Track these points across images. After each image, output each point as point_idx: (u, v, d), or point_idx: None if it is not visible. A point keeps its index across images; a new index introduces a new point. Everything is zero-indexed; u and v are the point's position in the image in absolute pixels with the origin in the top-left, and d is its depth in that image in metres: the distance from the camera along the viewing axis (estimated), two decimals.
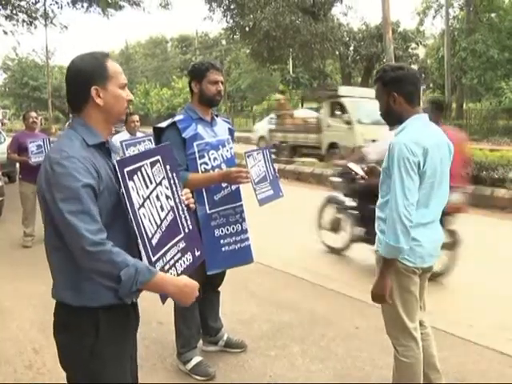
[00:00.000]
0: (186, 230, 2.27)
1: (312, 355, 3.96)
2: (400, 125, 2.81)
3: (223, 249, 3.58)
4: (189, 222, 2.30)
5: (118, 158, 1.93)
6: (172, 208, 2.18)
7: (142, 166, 2.00)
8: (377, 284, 2.78)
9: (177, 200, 2.24)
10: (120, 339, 2.09)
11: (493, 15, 29.02)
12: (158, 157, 2.14)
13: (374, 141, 10.26)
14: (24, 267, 6.17)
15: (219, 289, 4.00)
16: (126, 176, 1.87)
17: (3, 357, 4.05)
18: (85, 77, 1.99)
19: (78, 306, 1.96)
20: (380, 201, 2.88)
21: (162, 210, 2.09)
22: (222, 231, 3.57)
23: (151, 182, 2.04)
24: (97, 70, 1.99)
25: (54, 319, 2.07)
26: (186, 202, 2.32)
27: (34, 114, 7.96)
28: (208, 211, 3.48)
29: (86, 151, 1.93)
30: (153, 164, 2.08)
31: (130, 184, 1.88)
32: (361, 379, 3.61)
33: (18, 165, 8.32)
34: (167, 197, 2.16)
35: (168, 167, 2.20)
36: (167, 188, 2.17)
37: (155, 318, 4.49)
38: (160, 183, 2.12)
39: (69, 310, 1.99)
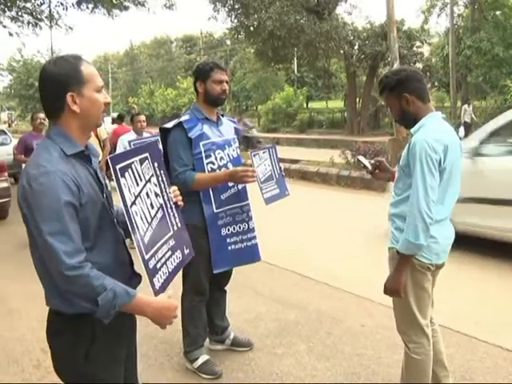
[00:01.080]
0: (175, 228, 2.25)
1: (318, 353, 3.97)
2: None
3: (229, 247, 3.60)
4: (177, 220, 2.28)
5: (109, 155, 1.87)
6: (161, 206, 2.16)
7: (132, 163, 1.97)
8: (392, 278, 2.78)
9: (165, 197, 2.21)
10: (114, 342, 2.07)
11: (498, 13, 28.84)
12: (147, 154, 2.11)
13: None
14: (31, 267, 6.17)
15: (225, 288, 4.01)
16: (119, 173, 1.84)
17: (11, 356, 4.09)
18: (59, 83, 1.89)
19: (72, 313, 1.91)
20: (395, 198, 2.89)
21: (152, 207, 2.07)
22: (229, 230, 3.59)
23: (141, 180, 2.02)
24: (71, 74, 1.90)
25: (47, 325, 2.03)
26: (175, 200, 2.29)
27: (41, 115, 7.95)
28: (215, 210, 3.50)
29: (66, 163, 1.85)
30: (142, 161, 2.05)
31: (122, 181, 1.85)
32: (367, 377, 3.61)
33: (23, 166, 8.36)
34: (156, 194, 2.14)
35: (156, 164, 2.17)
36: (156, 185, 2.15)
37: None
38: (149, 180, 2.09)
39: (63, 317, 1.95)
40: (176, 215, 2.27)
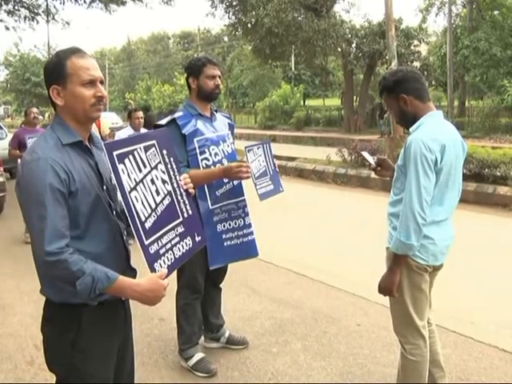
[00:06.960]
0: (185, 215, 2.27)
1: (314, 352, 3.95)
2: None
3: (225, 243, 3.57)
4: (188, 207, 2.30)
5: (106, 142, 1.94)
6: (169, 192, 2.19)
7: (135, 149, 2.01)
8: (385, 278, 2.77)
9: (174, 185, 2.24)
10: (104, 335, 2.09)
11: (496, 13, 28.88)
12: (154, 141, 2.15)
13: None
14: (25, 263, 6.12)
15: (221, 285, 3.99)
16: (116, 159, 1.88)
17: (4, 353, 4.06)
18: (46, 77, 2.00)
19: (60, 302, 1.98)
20: (393, 198, 2.87)
21: (158, 194, 2.10)
22: (224, 226, 3.56)
23: (145, 166, 2.05)
24: (55, 68, 1.97)
25: (42, 314, 2.10)
26: (185, 187, 2.31)
27: (35, 109, 8.01)
28: (210, 207, 3.47)
29: (60, 151, 1.91)
30: (147, 148, 2.09)
31: (120, 167, 1.90)
32: (363, 376, 3.60)
33: (19, 161, 8.34)
34: (164, 181, 2.17)
35: (165, 152, 2.20)
36: (164, 172, 2.18)
37: (157, 314, 4.49)
38: (155, 167, 2.12)
39: (52, 305, 2.02)
40: (187, 202, 2.30)
